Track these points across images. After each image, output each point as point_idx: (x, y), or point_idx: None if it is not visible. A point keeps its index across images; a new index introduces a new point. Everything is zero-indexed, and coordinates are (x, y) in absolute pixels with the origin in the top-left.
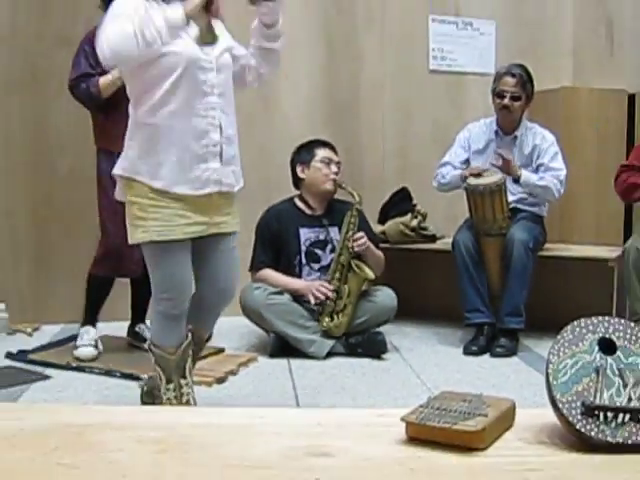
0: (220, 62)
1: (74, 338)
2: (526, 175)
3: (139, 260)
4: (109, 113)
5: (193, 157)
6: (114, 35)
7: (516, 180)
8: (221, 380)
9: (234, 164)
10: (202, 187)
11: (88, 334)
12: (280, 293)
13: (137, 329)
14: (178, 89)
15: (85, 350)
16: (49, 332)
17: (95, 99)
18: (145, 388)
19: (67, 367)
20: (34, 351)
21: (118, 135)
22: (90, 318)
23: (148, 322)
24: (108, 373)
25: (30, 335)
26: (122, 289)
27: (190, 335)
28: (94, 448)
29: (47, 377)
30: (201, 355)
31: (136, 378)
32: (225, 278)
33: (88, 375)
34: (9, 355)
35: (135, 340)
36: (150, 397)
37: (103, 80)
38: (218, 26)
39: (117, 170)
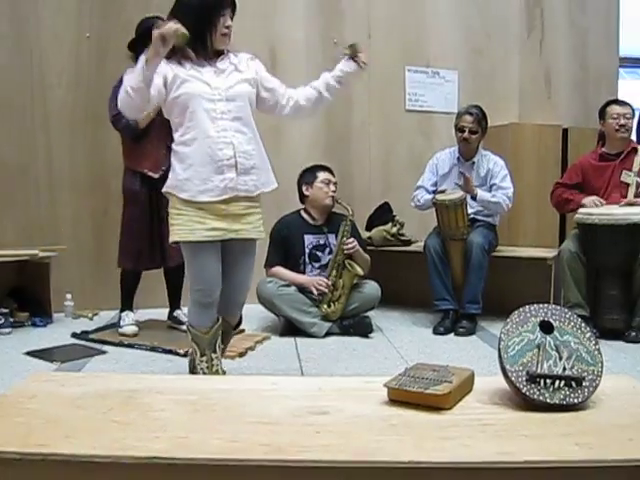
0: (231, 92)
1: None
2: (481, 194)
3: (155, 257)
4: (135, 139)
5: (211, 171)
6: (119, 99)
7: (474, 197)
8: (242, 354)
9: (254, 173)
10: (221, 194)
11: (128, 316)
12: (288, 286)
13: (175, 314)
14: (194, 120)
15: (129, 328)
16: (106, 317)
17: (134, 130)
18: (190, 358)
19: (120, 344)
20: (94, 331)
21: (142, 157)
22: (127, 304)
23: (184, 308)
24: (153, 349)
25: (91, 319)
26: (161, 282)
27: (220, 318)
28: (141, 408)
29: (104, 352)
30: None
31: (175, 353)
32: (241, 277)
33: (137, 350)
34: (74, 335)
35: (174, 323)
36: (193, 366)
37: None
38: (242, 60)
39: (164, 188)
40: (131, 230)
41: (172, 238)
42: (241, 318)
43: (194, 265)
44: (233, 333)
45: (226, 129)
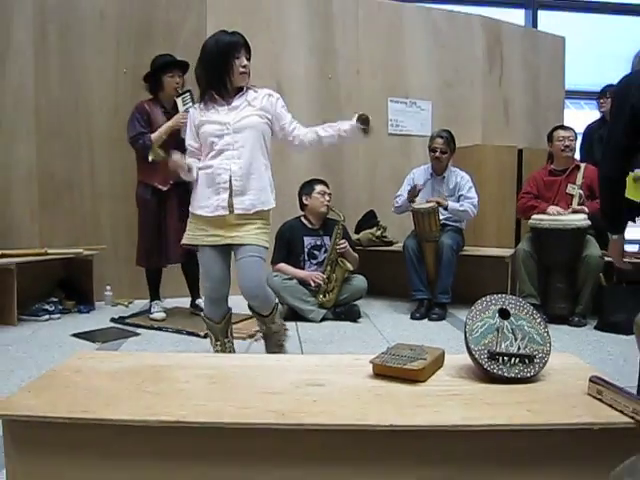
0: (238, 125)
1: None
2: (451, 205)
3: (161, 256)
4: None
5: (211, 192)
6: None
7: (445, 208)
8: (252, 336)
9: (251, 194)
10: (213, 211)
11: (157, 305)
12: (290, 279)
13: (196, 302)
14: (208, 152)
15: (158, 314)
16: (139, 304)
17: (148, 149)
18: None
19: (151, 327)
20: (129, 317)
21: (153, 173)
22: (155, 295)
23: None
24: (178, 331)
25: (127, 306)
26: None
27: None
28: (169, 381)
29: (137, 334)
30: (239, 319)
31: (197, 335)
32: (245, 278)
33: (165, 333)
34: (113, 319)
35: (195, 310)
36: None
37: (154, 136)
38: (260, 96)
39: None
40: (143, 233)
41: (182, 240)
42: (274, 308)
43: (202, 265)
44: (267, 320)
45: (229, 158)
